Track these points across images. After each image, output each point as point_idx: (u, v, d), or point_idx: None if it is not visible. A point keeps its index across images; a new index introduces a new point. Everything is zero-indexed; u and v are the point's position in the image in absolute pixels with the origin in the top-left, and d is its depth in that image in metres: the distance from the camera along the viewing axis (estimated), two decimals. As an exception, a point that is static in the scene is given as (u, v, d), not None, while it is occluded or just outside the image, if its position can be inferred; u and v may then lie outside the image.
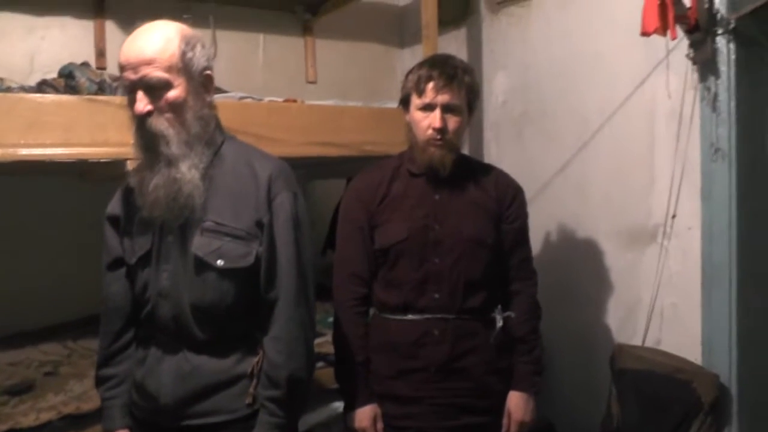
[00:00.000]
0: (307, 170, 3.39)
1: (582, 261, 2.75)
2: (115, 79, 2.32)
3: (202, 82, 1.62)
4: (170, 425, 1.65)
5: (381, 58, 3.83)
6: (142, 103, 1.53)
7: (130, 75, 1.53)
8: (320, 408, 2.54)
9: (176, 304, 1.62)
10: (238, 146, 1.72)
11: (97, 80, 2.27)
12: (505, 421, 2.01)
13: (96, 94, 2.20)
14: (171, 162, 1.55)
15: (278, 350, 1.60)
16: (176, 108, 1.55)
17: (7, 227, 2.81)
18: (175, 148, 1.55)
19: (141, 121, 1.55)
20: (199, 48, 1.60)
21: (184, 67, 1.56)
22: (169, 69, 1.53)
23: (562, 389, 2.85)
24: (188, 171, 1.56)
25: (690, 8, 2.13)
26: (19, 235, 2.83)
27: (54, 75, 2.35)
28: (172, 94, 1.54)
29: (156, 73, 1.52)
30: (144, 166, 1.60)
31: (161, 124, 1.54)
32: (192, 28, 1.64)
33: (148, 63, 1.51)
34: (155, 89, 1.53)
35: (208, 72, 1.64)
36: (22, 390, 2.14)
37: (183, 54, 1.55)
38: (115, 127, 2.05)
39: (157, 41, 1.54)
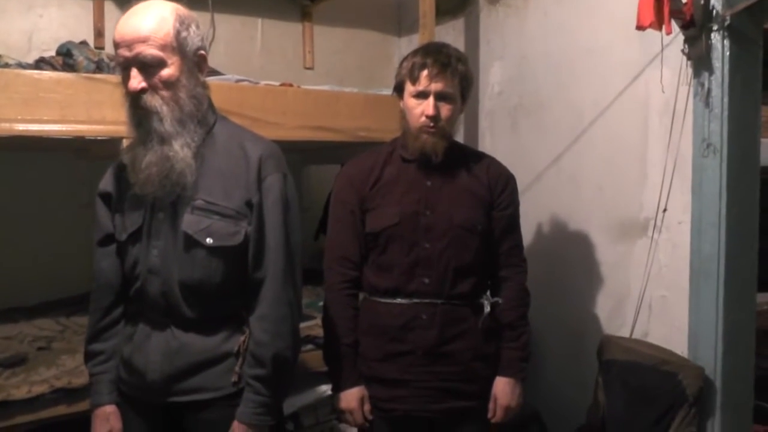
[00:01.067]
0: (301, 155, 3.40)
1: (573, 252, 2.77)
2: (113, 58, 2.31)
3: (196, 62, 1.63)
4: (157, 402, 1.68)
5: (378, 46, 3.83)
6: (136, 80, 1.54)
7: (125, 52, 1.54)
8: (307, 391, 2.57)
9: (165, 281, 1.63)
10: (230, 127, 1.74)
11: (95, 59, 2.28)
12: (491, 405, 2.03)
13: (94, 72, 2.21)
14: (164, 139, 1.57)
15: (264, 329, 1.62)
16: (170, 86, 1.57)
17: (3, 204, 2.82)
18: (168, 125, 1.57)
19: (135, 99, 1.56)
20: (193, 28, 1.62)
21: (178, 46, 1.57)
22: (163, 47, 1.55)
23: (549, 378, 2.87)
24: (181, 149, 1.58)
25: (685, 4, 2.14)
26: (15, 211, 2.84)
27: (52, 53, 2.35)
28: (166, 72, 1.56)
29: (150, 51, 1.53)
30: (137, 144, 1.61)
31: (155, 101, 1.56)
32: (190, 10, 1.65)
33: (143, 41, 1.53)
34: (149, 67, 1.55)
35: (202, 52, 1.65)
36: (15, 363, 2.15)
37: (177, 33, 1.57)
38: (111, 105, 2.06)
39: (153, 20, 1.55)
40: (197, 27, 1.64)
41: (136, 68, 1.54)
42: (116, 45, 1.56)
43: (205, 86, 1.68)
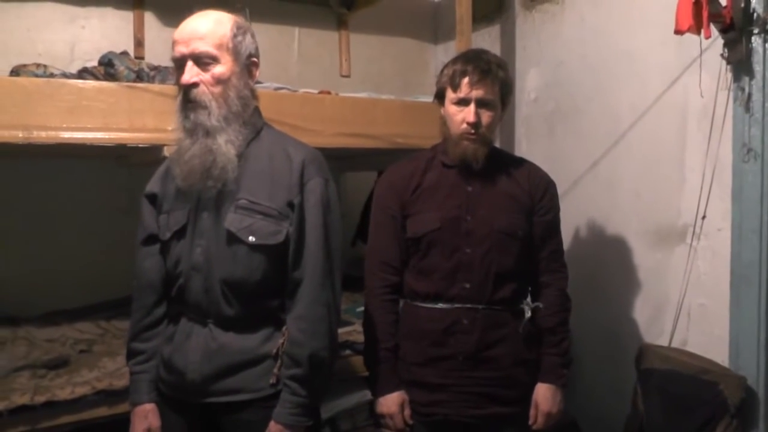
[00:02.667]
0: (338, 162, 3.42)
1: (610, 259, 2.75)
2: (153, 68, 2.38)
3: (247, 66, 1.70)
4: (195, 401, 1.70)
5: (415, 53, 3.84)
6: (190, 74, 1.61)
7: (182, 48, 1.62)
8: (345, 396, 2.57)
9: (207, 278, 1.67)
10: (276, 133, 1.80)
11: (136, 69, 2.34)
12: (532, 412, 2.02)
13: (134, 81, 2.27)
14: (209, 132, 1.63)
15: (301, 329, 1.64)
16: (220, 83, 1.63)
17: (46, 209, 2.88)
18: (215, 119, 1.63)
19: (186, 92, 1.63)
20: (248, 35, 1.70)
21: (233, 48, 1.65)
22: (219, 46, 1.63)
23: (586, 386, 2.84)
24: (224, 144, 1.63)
25: (725, 7, 2.11)
26: (58, 217, 2.90)
27: (94, 63, 2.41)
28: (219, 70, 1.63)
29: (206, 47, 1.61)
30: (184, 137, 1.67)
31: (205, 96, 1.62)
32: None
33: (200, 38, 1.62)
34: (203, 62, 1.62)
35: (255, 59, 1.72)
36: (58, 365, 2.21)
37: (233, 36, 1.65)
38: (152, 113, 2.13)
39: (211, 22, 1.65)
40: (252, 36, 1.72)
41: (191, 61, 1.62)
42: (174, 44, 1.64)
43: (254, 93, 1.75)
